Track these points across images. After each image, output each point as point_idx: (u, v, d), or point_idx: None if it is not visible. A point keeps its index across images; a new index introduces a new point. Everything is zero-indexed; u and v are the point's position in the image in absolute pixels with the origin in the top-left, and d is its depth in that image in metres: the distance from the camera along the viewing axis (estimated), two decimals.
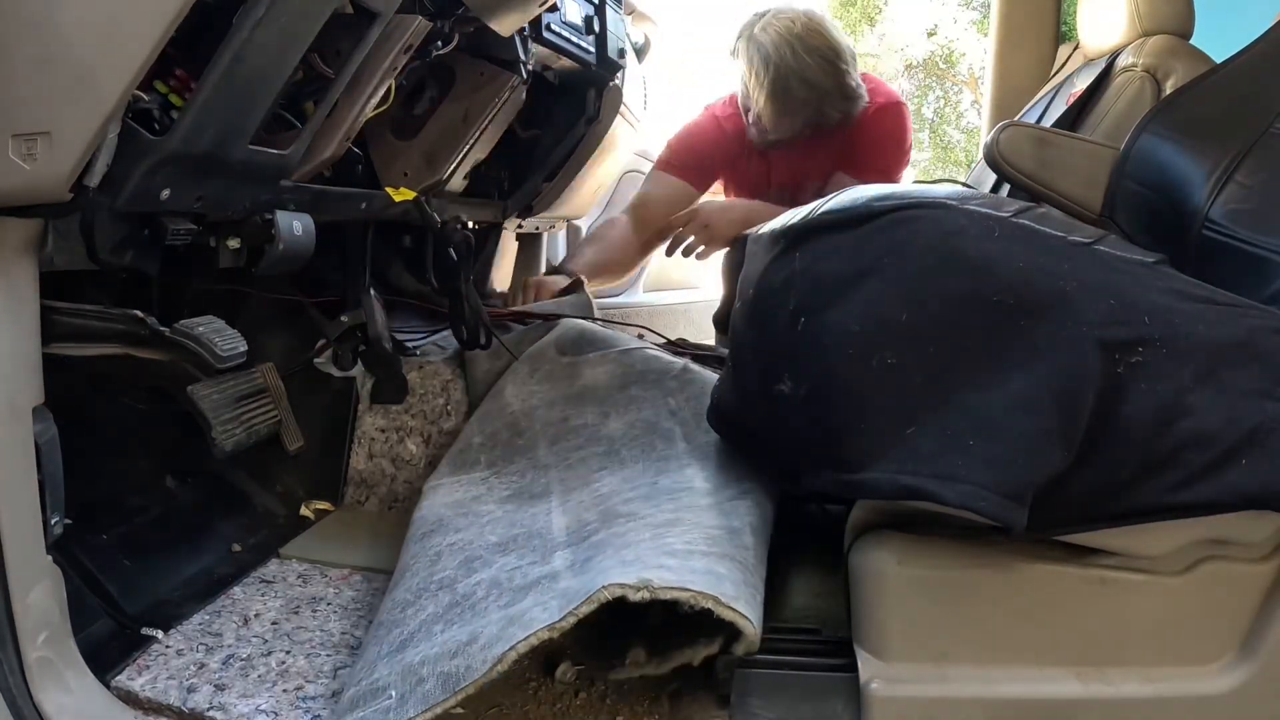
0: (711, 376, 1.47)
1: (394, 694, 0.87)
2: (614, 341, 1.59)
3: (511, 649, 0.85)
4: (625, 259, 2.24)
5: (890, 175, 2.15)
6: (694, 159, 2.24)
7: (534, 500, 1.23)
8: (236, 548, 1.36)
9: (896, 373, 0.87)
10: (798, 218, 1.03)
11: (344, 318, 1.50)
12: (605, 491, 1.17)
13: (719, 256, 2.09)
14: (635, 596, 0.85)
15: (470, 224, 1.83)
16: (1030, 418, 0.83)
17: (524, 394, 1.50)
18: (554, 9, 1.61)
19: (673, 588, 0.86)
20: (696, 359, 1.58)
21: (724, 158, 2.26)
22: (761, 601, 0.92)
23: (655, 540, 0.97)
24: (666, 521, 1.02)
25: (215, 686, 1.01)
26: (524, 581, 0.98)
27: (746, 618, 0.86)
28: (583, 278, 1.99)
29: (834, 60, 1.98)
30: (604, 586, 0.86)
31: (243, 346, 1.29)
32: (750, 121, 2.12)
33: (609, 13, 1.84)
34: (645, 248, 2.25)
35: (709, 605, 0.85)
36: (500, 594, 0.97)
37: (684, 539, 0.97)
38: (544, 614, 0.88)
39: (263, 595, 1.23)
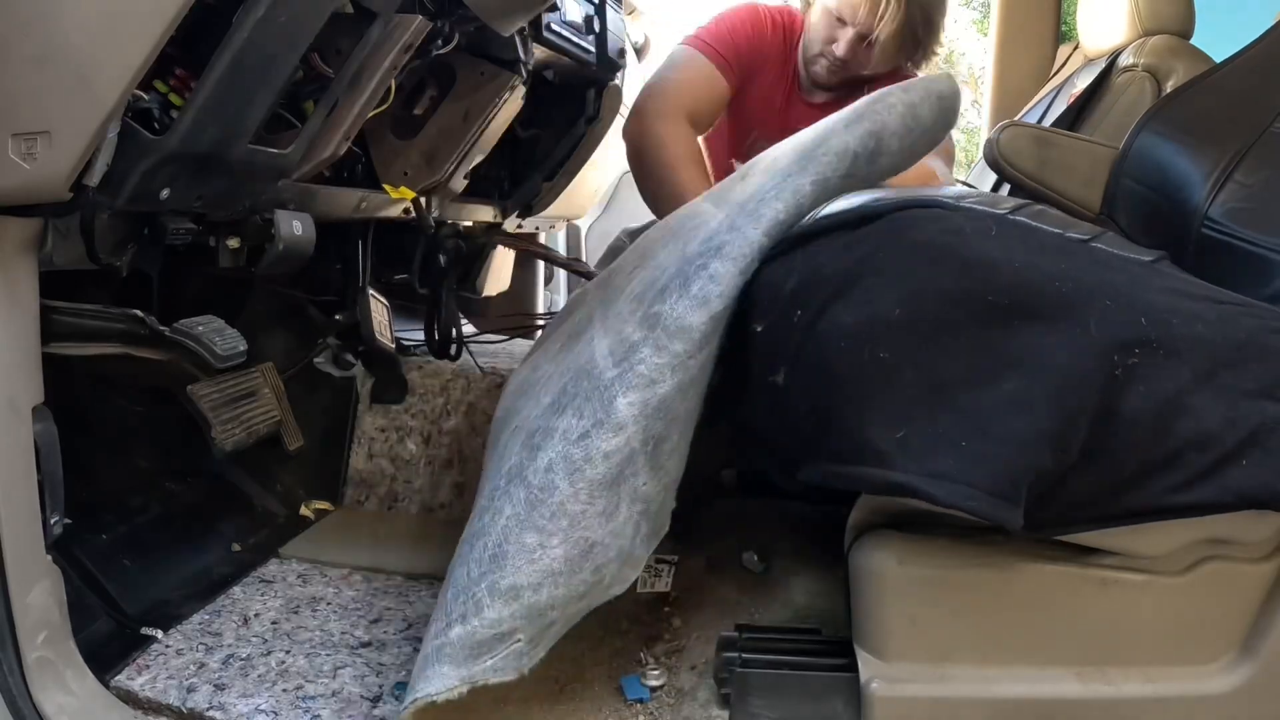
0: None
1: (522, 637, 0.88)
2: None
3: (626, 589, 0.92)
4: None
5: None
6: (735, 53, 1.79)
7: (577, 338, 1.14)
8: (236, 547, 1.36)
9: (890, 369, 0.86)
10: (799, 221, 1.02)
11: (339, 316, 1.50)
12: (621, 307, 1.07)
13: None
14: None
15: (471, 224, 1.83)
16: (1023, 418, 0.83)
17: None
18: (554, 8, 1.61)
19: None
20: None
21: (760, 66, 1.82)
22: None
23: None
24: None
25: (215, 686, 1.01)
26: (592, 453, 0.93)
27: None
28: None
29: (945, 11, 1.78)
30: None
31: (242, 346, 1.29)
32: (827, 52, 1.76)
33: (609, 12, 1.83)
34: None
35: None
36: (569, 471, 0.92)
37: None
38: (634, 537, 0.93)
39: (262, 595, 1.23)
